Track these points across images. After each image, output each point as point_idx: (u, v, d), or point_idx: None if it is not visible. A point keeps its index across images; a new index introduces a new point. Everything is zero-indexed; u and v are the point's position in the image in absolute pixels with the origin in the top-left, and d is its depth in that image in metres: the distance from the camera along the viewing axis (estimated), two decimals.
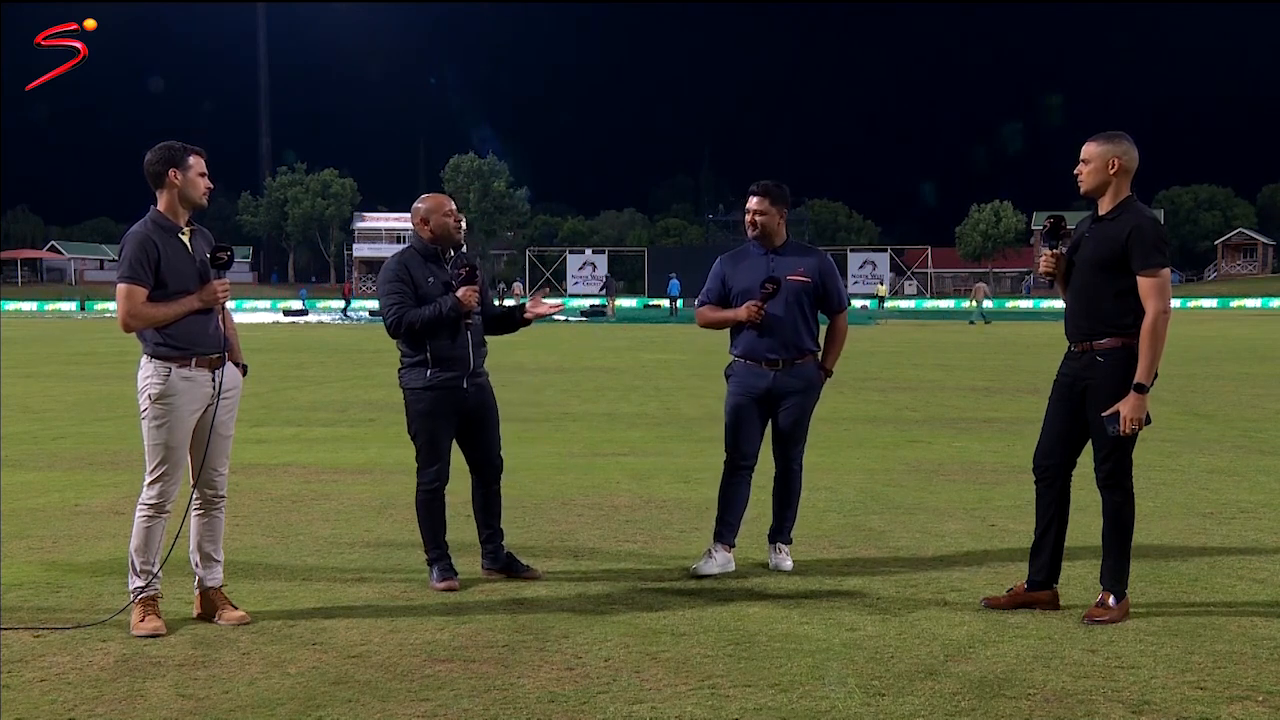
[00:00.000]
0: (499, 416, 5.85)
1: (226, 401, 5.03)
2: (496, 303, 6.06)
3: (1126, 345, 4.92)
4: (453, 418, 5.63)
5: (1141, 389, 4.86)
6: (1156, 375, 4.92)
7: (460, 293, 5.47)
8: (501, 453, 5.86)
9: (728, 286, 5.94)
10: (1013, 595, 5.16)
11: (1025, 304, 70.27)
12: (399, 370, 5.71)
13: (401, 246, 5.93)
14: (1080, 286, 5.05)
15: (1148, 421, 4.92)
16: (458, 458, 5.75)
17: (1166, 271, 4.90)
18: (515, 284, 77.44)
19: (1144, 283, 4.87)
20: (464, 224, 5.73)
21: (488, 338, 5.82)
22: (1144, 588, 5.40)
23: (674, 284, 56.13)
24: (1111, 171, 4.96)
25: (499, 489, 5.84)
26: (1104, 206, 5.03)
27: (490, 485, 5.80)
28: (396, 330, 5.55)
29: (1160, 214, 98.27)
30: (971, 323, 44.13)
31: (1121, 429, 4.87)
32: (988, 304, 51.04)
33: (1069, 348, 5.14)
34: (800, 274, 5.85)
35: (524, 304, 5.87)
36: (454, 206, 5.72)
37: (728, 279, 5.94)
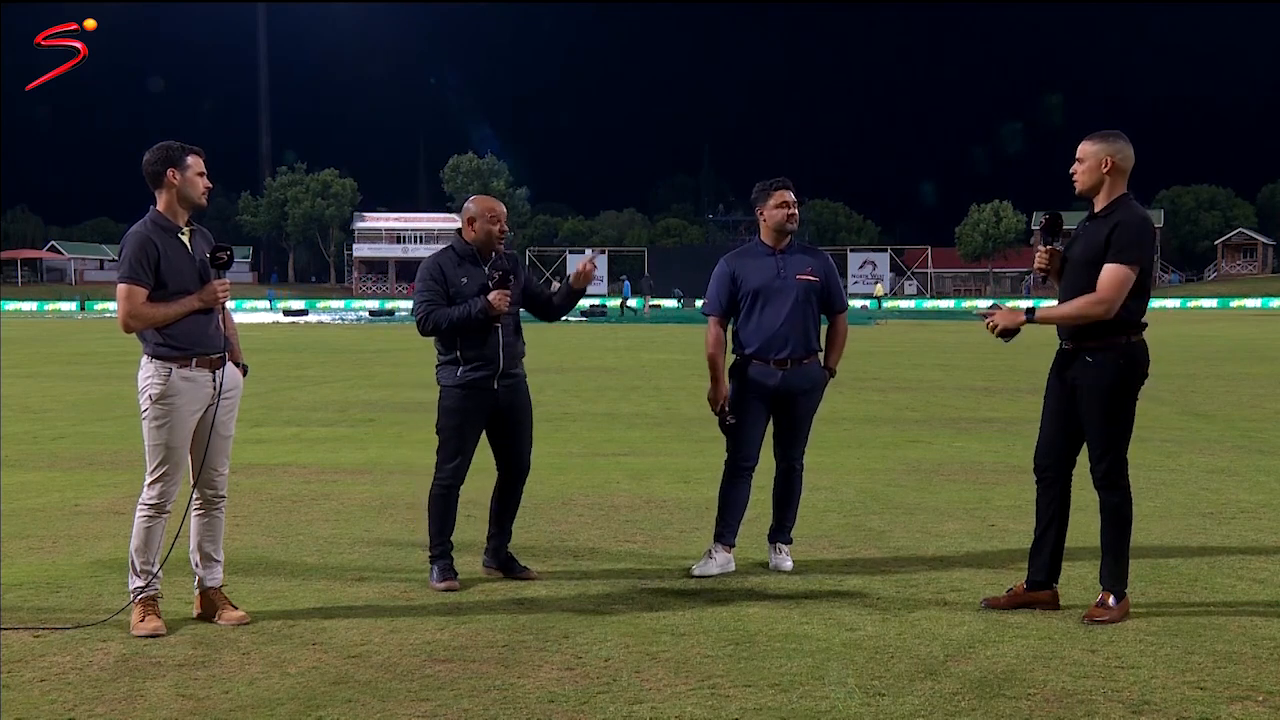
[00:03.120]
0: (533, 418, 5.86)
1: (227, 402, 5.03)
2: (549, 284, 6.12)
3: (1115, 345, 4.92)
4: (481, 417, 5.65)
5: (1030, 315, 5.01)
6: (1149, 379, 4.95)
7: (492, 296, 5.51)
8: (531, 455, 5.86)
9: (738, 284, 5.90)
10: (1012, 595, 5.16)
11: (1026, 304, 70.33)
12: (435, 367, 5.76)
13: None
14: (1071, 284, 5.05)
15: (1008, 338, 5.10)
16: (478, 458, 5.76)
17: (1133, 271, 4.84)
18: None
19: (1106, 269, 4.85)
20: (507, 233, 5.76)
21: (550, 323, 5.86)
22: (1144, 588, 5.40)
23: (626, 286, 60.45)
24: (1105, 170, 4.96)
25: (521, 490, 5.85)
26: (1098, 205, 5.04)
27: (514, 485, 5.81)
28: (424, 328, 5.62)
29: (1160, 214, 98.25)
30: None
31: (987, 323, 5.10)
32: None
33: (1060, 346, 5.14)
34: (809, 273, 5.86)
35: (567, 280, 5.85)
36: (503, 213, 5.75)
37: (737, 276, 5.91)
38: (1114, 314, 4.85)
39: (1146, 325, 5.03)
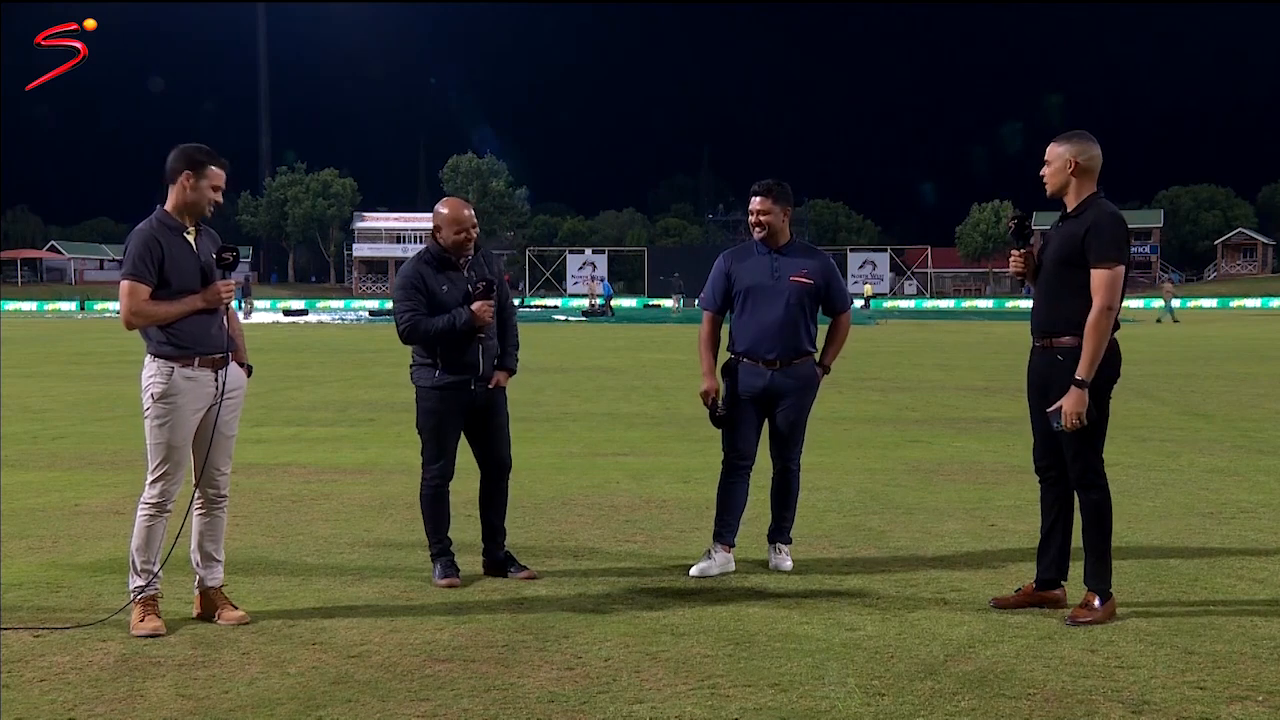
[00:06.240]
0: (509, 416, 5.90)
1: (230, 401, 5.03)
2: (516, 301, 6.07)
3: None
4: (460, 416, 5.68)
5: (1081, 384, 4.84)
6: (1120, 378, 4.95)
7: (476, 307, 5.51)
8: (510, 452, 5.90)
9: (732, 281, 5.93)
10: (1022, 595, 5.16)
11: (1026, 304, 70.45)
12: (410, 367, 5.75)
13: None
14: (1045, 283, 5.09)
15: (1092, 416, 4.87)
16: (464, 457, 5.77)
17: (1119, 269, 4.86)
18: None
19: (1095, 275, 4.88)
20: (475, 236, 5.69)
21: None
22: (1144, 588, 5.41)
23: (605, 286, 62.42)
24: (1070, 171, 5.00)
25: (505, 487, 5.88)
26: (1069, 205, 5.08)
27: (496, 483, 5.84)
28: (408, 338, 5.59)
29: (1160, 214, 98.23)
30: (1159, 321, 45.61)
31: (1065, 424, 4.86)
32: (1175, 302, 52.98)
33: (1033, 343, 5.15)
34: (803, 275, 5.86)
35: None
36: (468, 217, 5.66)
37: (732, 275, 5.93)
38: (1118, 309, 4.86)
39: (1119, 326, 5.02)
